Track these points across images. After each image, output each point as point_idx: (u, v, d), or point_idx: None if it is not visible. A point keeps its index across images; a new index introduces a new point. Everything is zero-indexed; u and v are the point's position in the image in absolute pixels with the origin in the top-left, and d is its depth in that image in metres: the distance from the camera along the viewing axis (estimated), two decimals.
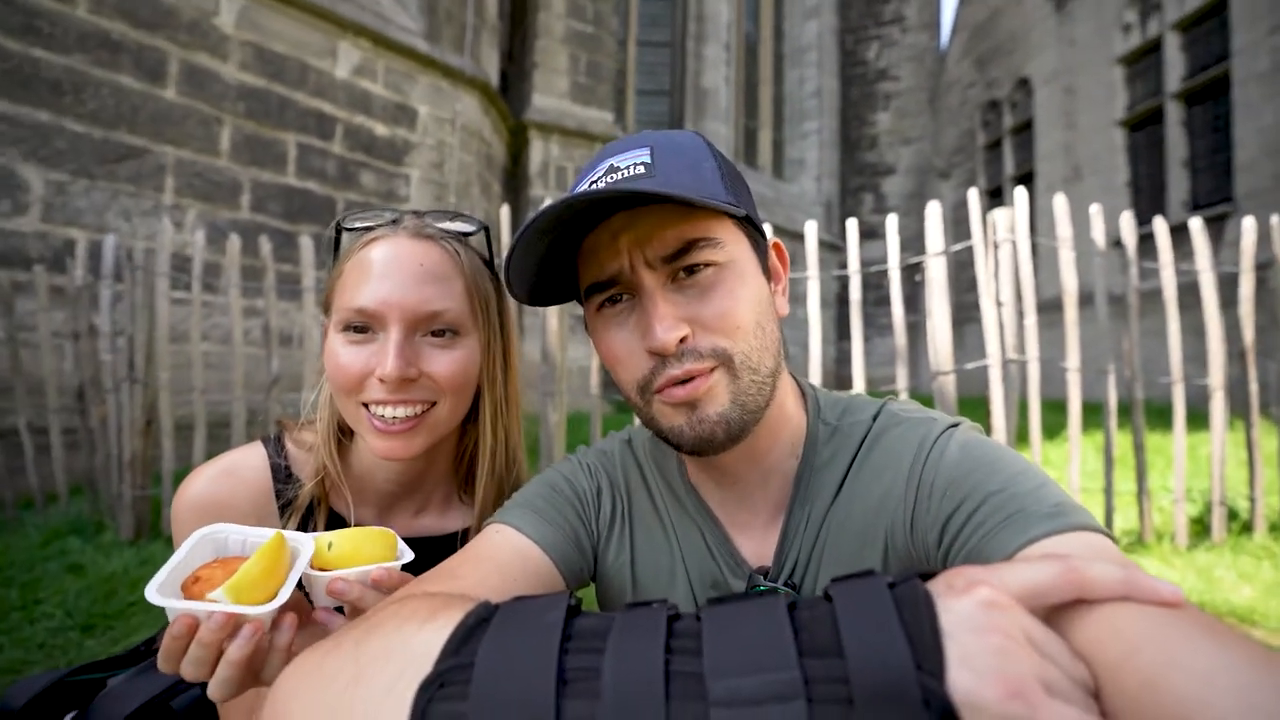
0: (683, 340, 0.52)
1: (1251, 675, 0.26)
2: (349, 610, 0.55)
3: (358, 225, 0.74)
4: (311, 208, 5.07)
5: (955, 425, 0.57)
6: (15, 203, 3.73)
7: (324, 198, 5.17)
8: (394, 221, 0.73)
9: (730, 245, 0.54)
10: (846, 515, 0.57)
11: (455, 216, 0.76)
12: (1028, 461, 0.51)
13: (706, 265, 0.53)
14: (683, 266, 0.53)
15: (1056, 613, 0.33)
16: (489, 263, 0.79)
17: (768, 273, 0.60)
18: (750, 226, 0.58)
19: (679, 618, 0.31)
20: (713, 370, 0.53)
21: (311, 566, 0.55)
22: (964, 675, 0.26)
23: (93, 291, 3.24)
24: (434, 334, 0.70)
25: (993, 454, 0.52)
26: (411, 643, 0.32)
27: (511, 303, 0.79)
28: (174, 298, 3.08)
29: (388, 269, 0.68)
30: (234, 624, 0.46)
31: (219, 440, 3.12)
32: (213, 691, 0.47)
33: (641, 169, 0.53)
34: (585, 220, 0.54)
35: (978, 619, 0.28)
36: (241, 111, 4.68)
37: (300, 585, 0.54)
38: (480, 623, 0.32)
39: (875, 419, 0.61)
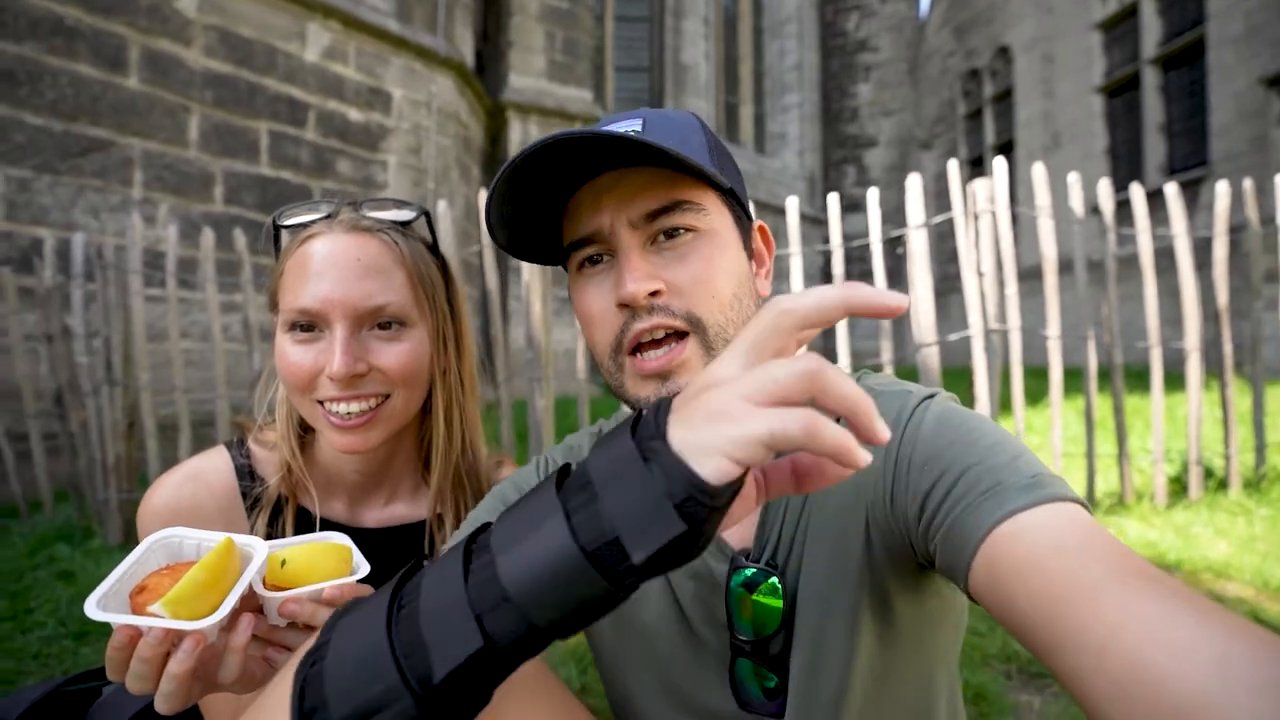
0: (654, 295, 0.53)
1: (1230, 646, 0.27)
2: (302, 629, 0.54)
3: (293, 222, 0.73)
4: (287, 197, 4.95)
5: (931, 396, 0.57)
6: None
7: (299, 187, 5.05)
8: (329, 216, 0.72)
9: (713, 214, 0.55)
10: (827, 493, 0.57)
11: (393, 204, 0.75)
12: (1004, 431, 0.52)
13: (687, 230, 0.54)
14: (663, 229, 0.54)
15: (1036, 597, 0.33)
16: (433, 248, 0.78)
17: (750, 252, 0.61)
18: (736, 204, 0.58)
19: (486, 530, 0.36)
20: (685, 337, 0.53)
21: (265, 584, 0.53)
22: (681, 429, 0.30)
23: (64, 292, 3.16)
24: (380, 327, 0.70)
25: (969, 425, 0.52)
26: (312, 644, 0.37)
27: (464, 288, 0.79)
28: (149, 295, 3.02)
29: (325, 266, 0.68)
30: (174, 638, 0.45)
31: (204, 440, 3.08)
32: (159, 704, 0.46)
33: (633, 135, 0.53)
34: (573, 176, 0.54)
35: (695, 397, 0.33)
36: (209, 99, 4.54)
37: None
38: (353, 606, 0.37)
39: None
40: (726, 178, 0.56)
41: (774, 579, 0.57)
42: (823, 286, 0.32)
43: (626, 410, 0.65)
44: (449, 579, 0.33)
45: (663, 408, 0.33)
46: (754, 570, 0.58)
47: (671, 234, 0.54)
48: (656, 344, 0.54)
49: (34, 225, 3.80)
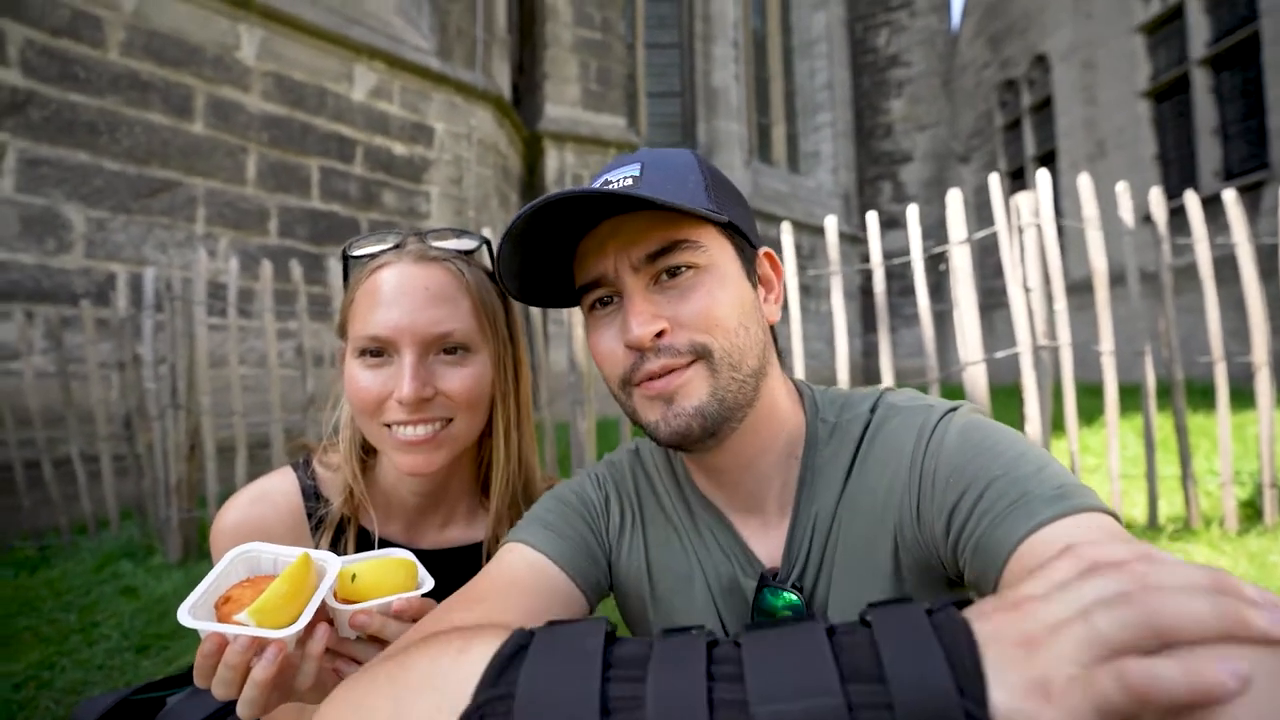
0: (660, 336, 0.54)
1: (1259, 662, 0.24)
2: (369, 640, 0.57)
3: (363, 252, 0.76)
4: (337, 229, 5.19)
5: (954, 409, 0.57)
6: (60, 241, 3.91)
7: (348, 219, 5.29)
8: (397, 246, 0.75)
9: (713, 250, 0.56)
10: (853, 512, 0.57)
11: (456, 234, 0.78)
12: (1029, 442, 0.51)
13: (687, 267, 0.56)
14: (664, 268, 0.56)
15: None
16: (494, 276, 0.81)
17: (756, 279, 0.62)
18: (738, 235, 0.60)
19: (717, 644, 0.31)
20: (690, 365, 0.55)
21: (335, 598, 0.56)
22: (1004, 695, 0.25)
23: (135, 322, 3.36)
24: (445, 352, 0.72)
25: (993, 436, 0.51)
26: (449, 675, 0.33)
27: (520, 313, 0.81)
28: (211, 324, 3.18)
29: (396, 295, 0.70)
30: (259, 645, 0.48)
31: (259, 461, 3.21)
32: (241, 710, 0.49)
33: (630, 181, 0.56)
34: (577, 226, 0.57)
35: (1017, 657, 0.26)
36: (266, 140, 4.82)
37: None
38: (518, 651, 0.32)
39: (873, 411, 0.61)
40: (726, 210, 0.57)
41: (797, 599, 0.58)
42: (1189, 572, 0.26)
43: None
44: (685, 691, 0.28)
45: (969, 632, 0.27)
46: (777, 590, 0.59)
47: (673, 272, 0.56)
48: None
49: (109, 261, 4.08)
